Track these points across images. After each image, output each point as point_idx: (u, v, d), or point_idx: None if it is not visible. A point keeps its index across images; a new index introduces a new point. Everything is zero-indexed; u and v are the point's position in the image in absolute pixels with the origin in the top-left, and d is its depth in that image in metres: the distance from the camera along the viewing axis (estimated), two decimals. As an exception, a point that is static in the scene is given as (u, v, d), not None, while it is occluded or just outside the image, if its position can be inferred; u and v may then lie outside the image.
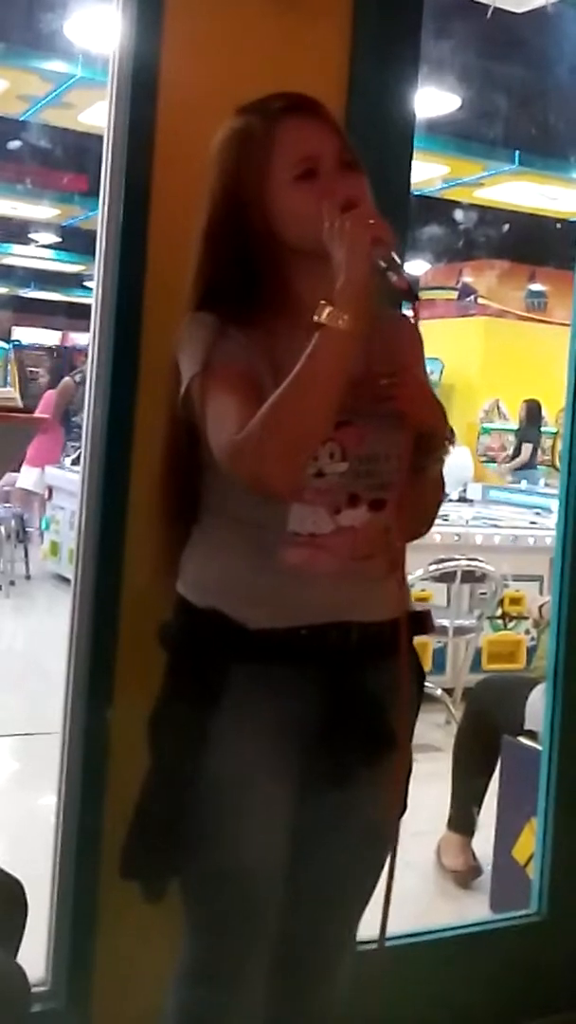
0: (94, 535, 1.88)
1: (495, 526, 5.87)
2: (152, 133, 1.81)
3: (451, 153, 8.14)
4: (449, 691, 4.76)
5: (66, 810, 1.91)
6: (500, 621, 5.46)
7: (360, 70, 1.98)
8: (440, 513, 1.64)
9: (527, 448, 10.19)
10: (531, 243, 11.27)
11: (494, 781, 3.22)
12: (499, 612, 5.39)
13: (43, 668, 4.69)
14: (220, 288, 1.44)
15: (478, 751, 3.29)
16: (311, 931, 1.55)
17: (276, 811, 1.44)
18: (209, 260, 1.46)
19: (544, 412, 10.40)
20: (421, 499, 1.50)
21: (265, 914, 1.47)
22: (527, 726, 3.09)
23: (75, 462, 6.91)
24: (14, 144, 9.63)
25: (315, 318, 1.31)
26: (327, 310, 1.31)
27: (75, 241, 13.05)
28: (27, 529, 7.91)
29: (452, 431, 1.47)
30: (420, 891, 3.12)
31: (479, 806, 3.32)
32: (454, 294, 12.81)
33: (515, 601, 5.42)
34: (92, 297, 1.91)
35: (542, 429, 10.39)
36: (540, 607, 3.90)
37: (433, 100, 6.76)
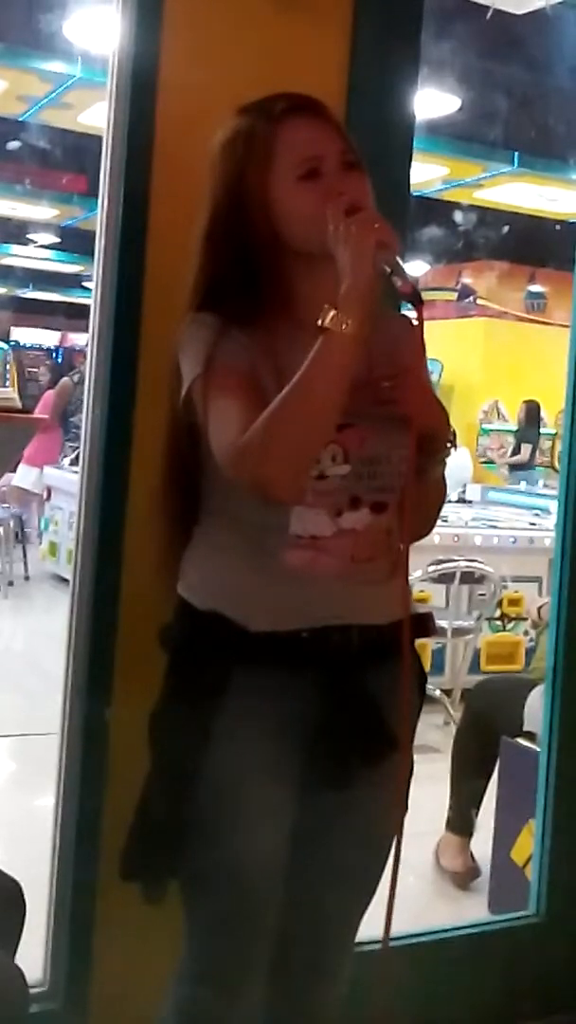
0: (92, 535, 1.88)
1: (494, 527, 5.87)
2: (151, 134, 1.81)
3: (451, 154, 8.14)
4: (448, 692, 4.76)
5: (64, 810, 1.91)
6: (499, 622, 5.46)
7: (360, 71, 1.98)
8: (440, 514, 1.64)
9: (526, 448, 10.20)
10: (531, 244, 11.27)
11: (493, 782, 3.22)
12: (498, 613, 5.39)
13: (42, 669, 4.69)
14: (221, 288, 1.44)
15: (477, 752, 3.30)
16: (311, 932, 1.54)
17: (277, 813, 1.44)
18: (210, 260, 1.46)
19: (543, 414, 10.40)
20: (423, 501, 1.49)
21: (265, 915, 1.47)
22: (526, 727, 3.09)
23: (74, 462, 6.91)
24: (13, 144, 9.63)
25: (319, 322, 1.31)
26: (331, 314, 1.31)
27: (74, 242, 13.04)
28: (26, 529, 7.90)
29: (454, 433, 1.47)
30: (419, 892, 3.12)
31: (478, 807, 3.32)
32: (454, 295, 12.82)
33: (514, 602, 5.42)
34: (91, 298, 1.92)
35: (541, 431, 10.40)
36: (539, 608, 3.90)
37: (433, 101, 6.76)
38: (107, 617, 1.85)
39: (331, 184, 1.40)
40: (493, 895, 3.07)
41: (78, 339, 14.47)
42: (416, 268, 11.92)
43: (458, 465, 7.38)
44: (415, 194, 7.72)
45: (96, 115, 6.54)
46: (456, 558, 4.81)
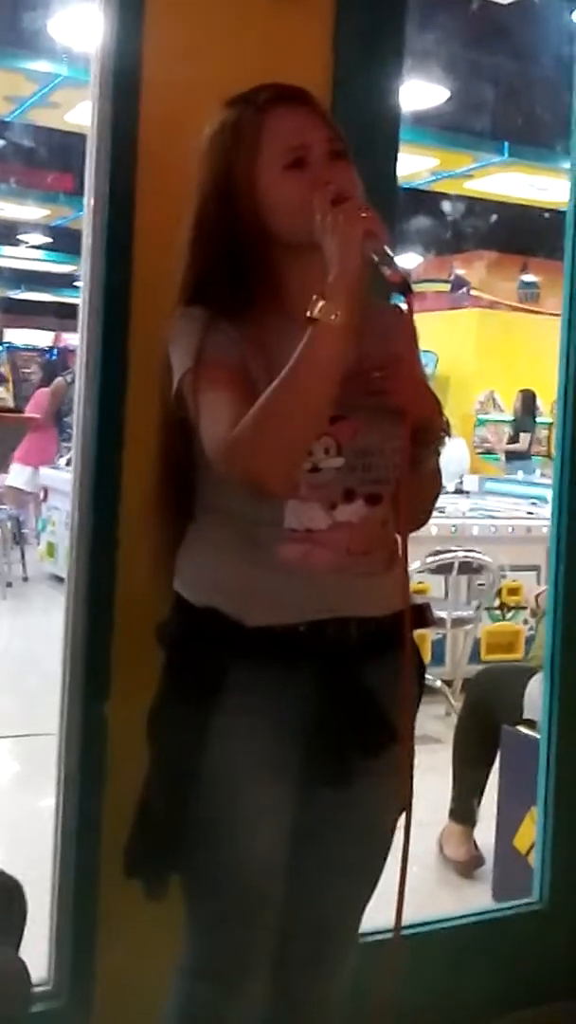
0: (87, 534, 1.88)
1: (492, 517, 5.87)
2: (136, 131, 1.81)
3: (440, 145, 8.13)
4: (448, 682, 4.76)
5: (65, 809, 1.91)
6: (498, 611, 5.47)
7: (345, 63, 1.97)
8: (437, 505, 1.64)
9: (525, 437, 10.19)
10: (522, 234, 11.28)
11: (494, 771, 3.22)
12: (497, 602, 5.39)
13: (41, 669, 4.68)
14: (210, 282, 1.43)
15: (478, 741, 3.30)
16: (313, 926, 1.54)
17: (276, 808, 1.44)
18: (199, 253, 1.45)
19: (539, 403, 10.40)
20: (418, 492, 1.49)
21: (266, 910, 1.47)
22: (526, 715, 3.09)
23: (70, 463, 6.90)
24: (1, 144, 9.62)
25: (308, 313, 1.30)
26: (319, 305, 1.30)
27: (65, 241, 13.03)
28: (23, 531, 7.90)
29: (448, 423, 1.47)
30: (422, 882, 3.13)
31: (480, 796, 3.33)
32: (446, 286, 12.81)
33: (513, 591, 5.43)
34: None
35: (537, 419, 10.40)
36: (537, 596, 3.90)
37: (421, 93, 6.76)
38: (103, 615, 1.85)
39: (317, 173, 1.39)
40: (496, 883, 3.07)
41: (72, 339, 14.46)
42: (408, 260, 11.91)
43: (455, 456, 7.39)
44: (405, 186, 7.73)
45: (83, 114, 6.50)
46: (454, 548, 4.82)
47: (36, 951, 1.59)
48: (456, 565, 4.76)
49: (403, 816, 1.46)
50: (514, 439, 10.43)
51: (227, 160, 1.43)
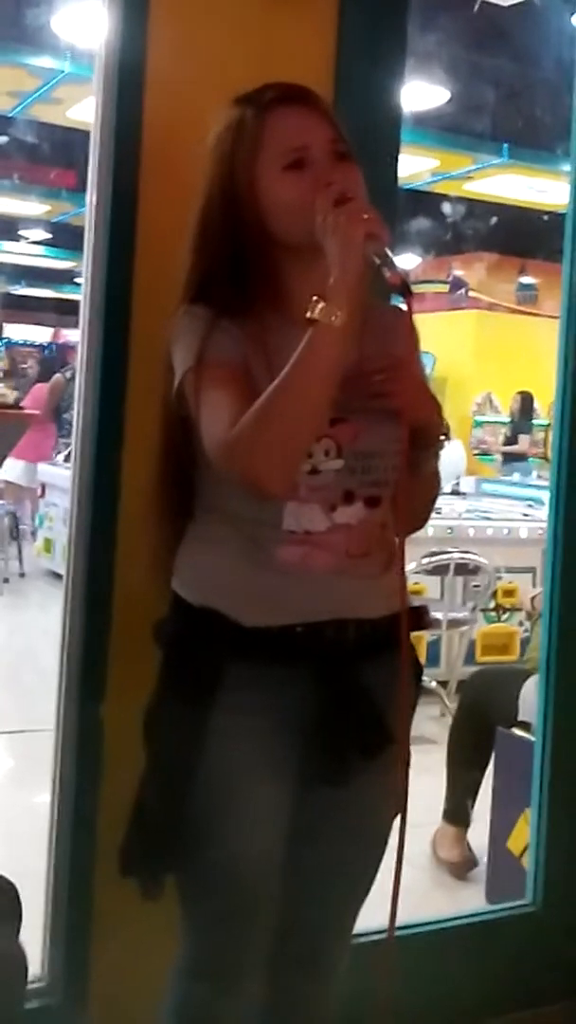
0: (86, 531, 1.88)
1: (488, 519, 5.88)
2: (139, 128, 1.81)
3: (440, 146, 8.15)
4: (443, 683, 4.77)
5: (61, 806, 1.91)
6: (494, 613, 5.47)
7: (347, 64, 1.97)
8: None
9: (524, 439, 10.19)
10: (521, 236, 11.30)
11: (489, 772, 3.23)
12: (492, 604, 5.40)
13: (37, 665, 4.69)
14: (213, 281, 1.43)
15: (472, 743, 3.30)
16: (308, 926, 1.54)
17: (272, 808, 1.44)
18: (202, 253, 1.45)
19: (536, 405, 10.41)
20: (418, 494, 1.49)
21: (262, 910, 1.47)
22: (521, 717, 3.09)
23: (68, 459, 6.90)
24: (3, 140, 9.62)
25: (308, 314, 1.30)
26: (320, 306, 1.30)
27: (65, 237, 13.03)
28: (20, 526, 7.89)
29: (447, 425, 1.47)
30: (416, 883, 3.12)
31: (474, 798, 3.33)
32: (445, 287, 12.82)
33: (508, 593, 5.43)
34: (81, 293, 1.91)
35: (534, 422, 10.41)
36: (533, 599, 3.91)
37: (422, 94, 6.77)
38: (101, 612, 1.85)
39: (319, 174, 1.39)
40: (490, 885, 3.08)
41: (71, 335, 14.46)
42: (407, 260, 11.92)
43: (451, 457, 7.40)
44: (405, 187, 7.73)
45: (85, 110, 6.53)
46: (450, 550, 4.82)
47: (31, 948, 1.58)
48: (452, 566, 4.77)
49: (398, 817, 1.46)
50: (511, 441, 10.44)
51: (230, 160, 1.43)
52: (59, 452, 8.10)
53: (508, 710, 3.15)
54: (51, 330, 16.38)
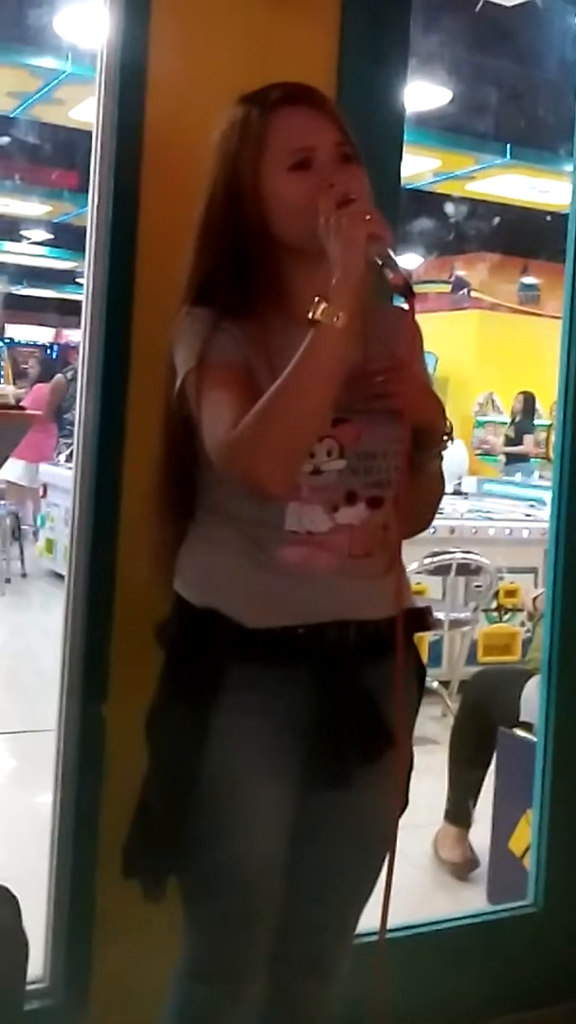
0: (87, 532, 1.88)
1: (490, 519, 5.88)
2: (141, 128, 1.81)
3: (442, 147, 8.15)
4: (445, 684, 4.77)
5: (63, 807, 1.91)
6: (495, 613, 5.47)
7: (349, 63, 1.97)
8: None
9: (528, 439, 10.19)
10: (523, 236, 11.30)
11: (490, 773, 3.23)
12: (494, 604, 5.40)
13: (39, 665, 4.69)
14: (215, 282, 1.43)
15: (474, 743, 3.30)
16: (309, 929, 1.54)
17: (274, 809, 1.44)
18: (205, 253, 1.45)
19: (538, 405, 10.41)
20: (421, 495, 1.49)
21: (263, 912, 1.47)
22: (523, 718, 3.09)
23: (69, 459, 6.91)
24: (5, 140, 9.62)
25: (310, 315, 1.30)
26: (322, 307, 1.29)
27: (67, 237, 13.04)
28: (22, 526, 7.90)
29: (450, 426, 1.46)
30: (417, 883, 3.12)
31: (475, 798, 3.33)
32: (447, 288, 12.82)
33: (510, 593, 5.43)
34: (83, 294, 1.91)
35: (536, 422, 10.41)
36: (535, 599, 3.90)
37: (424, 94, 6.77)
38: (103, 613, 1.85)
39: (323, 175, 1.38)
40: (491, 885, 3.07)
41: (73, 335, 14.46)
42: (409, 261, 11.92)
43: (453, 458, 7.40)
44: (407, 187, 7.72)
45: (87, 110, 6.53)
46: (452, 550, 4.82)
47: (32, 948, 1.59)
48: (454, 566, 4.76)
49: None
50: (513, 441, 10.43)
51: (234, 159, 1.42)
52: (60, 452, 8.10)
53: (510, 710, 3.15)
54: (53, 330, 16.38)
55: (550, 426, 9.45)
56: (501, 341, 11.43)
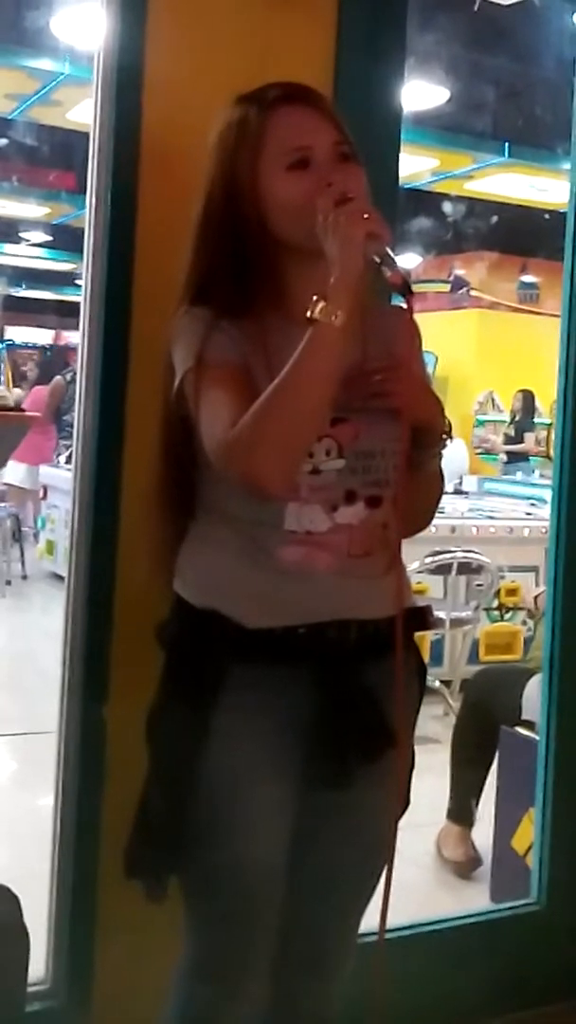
0: (87, 533, 1.88)
1: (490, 518, 5.88)
2: (138, 129, 1.81)
3: (441, 146, 8.14)
4: (447, 683, 4.77)
5: (64, 808, 1.91)
6: (497, 612, 5.47)
7: (346, 63, 1.97)
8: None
9: (530, 437, 10.19)
10: (522, 235, 11.30)
11: (493, 772, 3.23)
12: (496, 603, 5.40)
13: (40, 667, 4.69)
14: (213, 282, 1.43)
15: (476, 742, 3.30)
16: (311, 929, 1.54)
17: (276, 810, 1.44)
18: (203, 253, 1.45)
19: (538, 403, 10.41)
20: (420, 494, 1.49)
21: (265, 912, 1.47)
22: (524, 716, 3.09)
23: (69, 460, 6.91)
24: (3, 142, 9.63)
25: (308, 314, 1.30)
26: (320, 306, 1.29)
27: (66, 239, 13.03)
28: (23, 528, 7.90)
29: (449, 425, 1.46)
30: (420, 882, 3.13)
31: (478, 797, 3.33)
32: (446, 287, 12.82)
33: (511, 592, 5.43)
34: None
35: (536, 420, 10.41)
36: (536, 597, 3.90)
37: (422, 93, 6.77)
38: (103, 614, 1.85)
39: (321, 175, 1.38)
40: (494, 884, 3.07)
41: (72, 337, 14.45)
42: (408, 260, 11.92)
43: (454, 457, 7.40)
44: (406, 187, 7.74)
45: (85, 112, 6.53)
46: (453, 549, 4.82)
47: (34, 950, 1.59)
48: (455, 565, 4.76)
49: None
50: (513, 439, 10.43)
51: (232, 158, 1.42)
52: (60, 454, 8.10)
53: (512, 709, 3.15)
54: (52, 332, 16.38)
55: (550, 424, 9.45)
56: (500, 340, 11.43)
